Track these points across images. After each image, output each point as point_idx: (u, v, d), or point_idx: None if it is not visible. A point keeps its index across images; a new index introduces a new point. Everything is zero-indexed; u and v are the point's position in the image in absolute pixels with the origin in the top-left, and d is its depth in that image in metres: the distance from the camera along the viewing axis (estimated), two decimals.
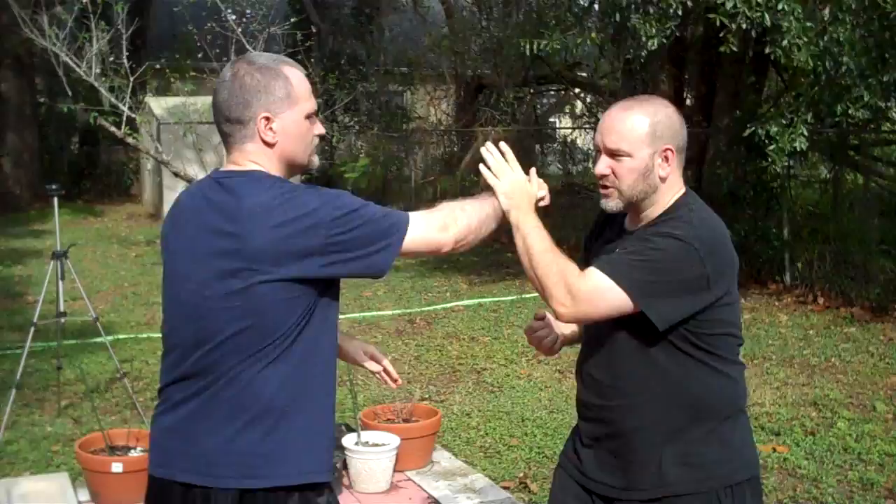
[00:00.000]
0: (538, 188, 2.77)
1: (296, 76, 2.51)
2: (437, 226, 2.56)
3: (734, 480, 2.70)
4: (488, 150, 2.78)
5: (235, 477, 2.41)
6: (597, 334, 2.76)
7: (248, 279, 2.37)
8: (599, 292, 2.57)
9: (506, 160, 2.77)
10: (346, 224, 2.39)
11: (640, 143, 2.66)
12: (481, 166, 2.77)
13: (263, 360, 2.40)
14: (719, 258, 2.64)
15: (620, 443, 2.73)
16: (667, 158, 2.69)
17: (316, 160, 2.61)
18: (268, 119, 2.46)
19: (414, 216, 2.54)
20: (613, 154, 2.68)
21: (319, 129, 2.58)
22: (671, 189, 2.73)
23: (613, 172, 2.68)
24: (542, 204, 2.77)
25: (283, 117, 2.47)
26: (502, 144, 2.80)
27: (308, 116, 2.53)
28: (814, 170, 14.11)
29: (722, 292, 2.64)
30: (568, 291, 2.58)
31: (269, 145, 2.48)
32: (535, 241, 2.65)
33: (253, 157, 2.49)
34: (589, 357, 2.81)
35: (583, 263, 2.79)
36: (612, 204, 2.72)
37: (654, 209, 2.73)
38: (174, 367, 2.50)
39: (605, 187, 2.72)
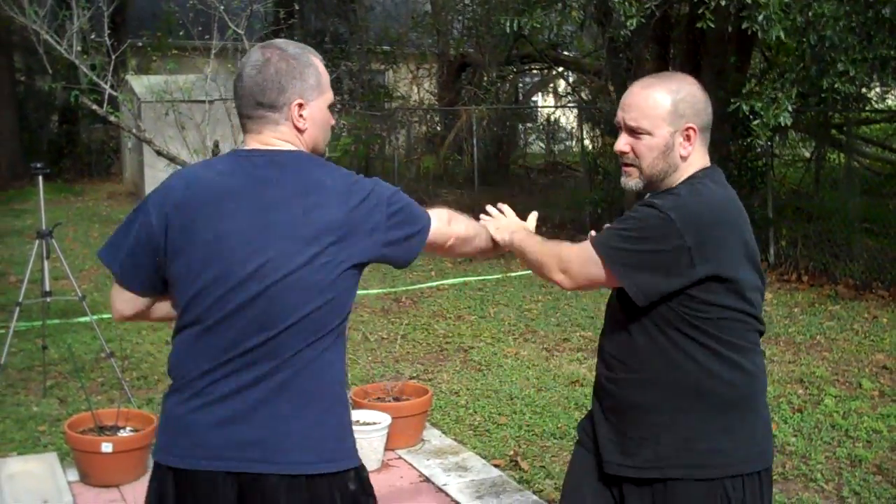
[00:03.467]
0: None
1: (321, 66, 2.54)
2: (445, 219, 2.67)
3: (742, 471, 2.61)
4: (490, 212, 3.03)
5: (313, 462, 2.37)
6: (610, 308, 2.79)
7: (329, 256, 2.36)
8: (584, 259, 2.66)
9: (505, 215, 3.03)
10: (398, 202, 2.49)
11: (661, 121, 2.61)
12: (483, 217, 3.00)
13: (330, 339, 2.40)
14: (706, 235, 2.54)
15: (622, 417, 2.71)
16: (689, 137, 2.63)
17: (326, 150, 2.67)
18: (301, 105, 2.46)
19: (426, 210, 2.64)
20: (633, 131, 2.64)
21: (332, 119, 2.60)
22: (692, 168, 2.66)
23: (633, 150, 2.65)
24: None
25: (312, 105, 2.49)
26: (503, 206, 3.06)
27: (330, 106, 2.56)
28: (797, 149, 14.16)
29: (712, 271, 2.54)
30: (559, 259, 2.72)
31: (300, 131, 2.49)
32: (533, 242, 2.85)
33: (288, 138, 2.48)
34: (605, 329, 2.82)
35: None
36: (632, 182, 2.69)
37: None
38: (221, 353, 2.36)
39: (627, 165, 2.69)
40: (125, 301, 2.54)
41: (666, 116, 2.60)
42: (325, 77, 2.54)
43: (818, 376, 6.97)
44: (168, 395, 2.46)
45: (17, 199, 18.09)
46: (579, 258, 2.66)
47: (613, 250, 2.59)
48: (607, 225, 2.68)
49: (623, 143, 2.66)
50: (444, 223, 2.66)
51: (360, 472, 2.47)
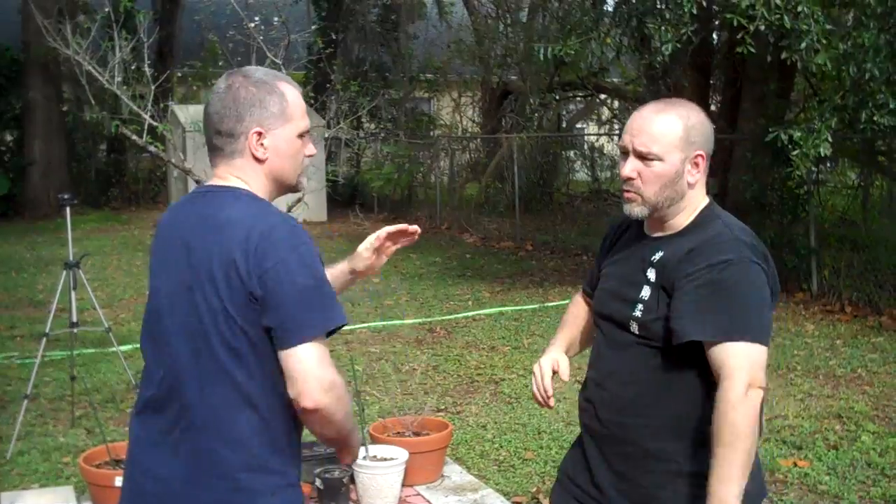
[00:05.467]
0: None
1: (291, 93, 2.43)
2: (328, 373, 2.24)
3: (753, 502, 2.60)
4: None
5: None
6: (625, 353, 2.65)
7: (213, 304, 2.27)
8: (760, 364, 2.45)
9: None
10: (272, 280, 2.23)
11: (673, 148, 2.56)
12: None
13: (233, 391, 2.30)
14: (771, 262, 2.58)
15: (633, 465, 2.62)
16: (697, 164, 2.60)
17: (305, 182, 2.52)
18: (259, 134, 2.38)
19: (321, 346, 2.24)
20: (643, 157, 2.56)
21: (311, 149, 2.49)
22: (697, 196, 2.64)
23: (640, 176, 2.57)
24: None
25: (275, 134, 2.39)
26: None
27: (301, 135, 2.45)
28: (842, 176, 13.93)
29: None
30: (743, 405, 2.41)
31: (259, 161, 2.40)
32: (736, 468, 2.41)
33: (239, 173, 2.41)
34: (610, 373, 2.69)
35: (595, 271, 2.87)
36: (636, 210, 2.62)
37: (681, 217, 2.64)
38: (144, 397, 2.40)
39: (629, 191, 2.61)
40: None
41: (678, 143, 2.55)
42: (295, 105, 2.42)
43: (857, 411, 6.77)
44: None
45: (64, 229, 18.31)
46: (758, 365, 2.45)
47: (763, 326, 2.50)
48: (688, 298, 2.49)
49: (630, 168, 2.58)
50: (325, 370, 2.23)
51: None
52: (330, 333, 2.27)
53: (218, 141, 2.41)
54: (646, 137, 2.55)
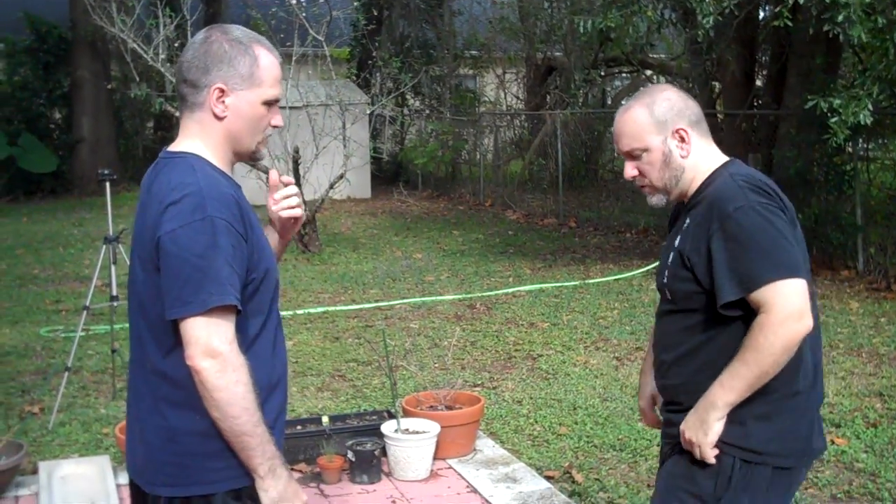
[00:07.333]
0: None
1: (266, 59, 2.42)
2: (225, 339, 2.25)
3: (751, 458, 2.64)
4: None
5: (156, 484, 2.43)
6: (660, 320, 2.84)
7: (148, 274, 2.36)
8: (791, 294, 2.51)
9: None
10: (188, 249, 2.25)
11: (647, 135, 2.71)
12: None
13: (166, 355, 2.36)
14: (783, 196, 2.63)
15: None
16: (682, 138, 2.72)
17: (264, 152, 2.52)
18: (222, 91, 2.38)
19: (223, 317, 2.26)
20: (631, 155, 2.75)
21: (278, 120, 2.48)
22: (700, 163, 2.74)
23: (640, 172, 2.76)
24: None
25: (238, 94, 2.40)
26: None
27: (267, 103, 2.43)
28: (894, 152, 13.66)
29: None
30: (774, 334, 2.49)
31: (217, 118, 2.41)
32: (738, 380, 2.56)
33: (196, 131, 2.43)
34: (656, 341, 2.87)
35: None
36: (655, 199, 2.80)
37: (693, 183, 2.75)
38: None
39: (642, 186, 2.80)
40: None
41: (649, 128, 2.70)
42: (267, 71, 2.41)
43: None
44: None
45: (112, 205, 18.51)
46: (794, 297, 2.50)
47: (790, 260, 2.54)
48: (722, 256, 2.56)
49: (630, 168, 2.78)
50: (219, 338, 2.24)
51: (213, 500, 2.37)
52: (224, 309, 2.26)
53: (183, 89, 2.43)
54: (624, 139, 2.75)
